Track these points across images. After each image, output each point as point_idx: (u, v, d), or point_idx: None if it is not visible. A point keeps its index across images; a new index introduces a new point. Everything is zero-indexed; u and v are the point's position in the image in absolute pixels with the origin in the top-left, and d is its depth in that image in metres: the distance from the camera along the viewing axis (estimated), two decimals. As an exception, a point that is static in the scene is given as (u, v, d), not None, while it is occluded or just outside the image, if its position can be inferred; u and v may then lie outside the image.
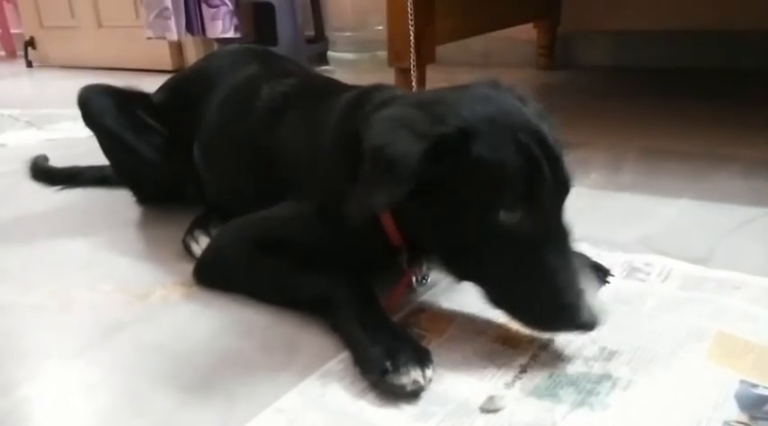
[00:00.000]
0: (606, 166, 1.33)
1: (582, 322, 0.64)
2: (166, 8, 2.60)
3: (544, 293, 0.65)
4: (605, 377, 0.65)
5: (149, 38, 2.74)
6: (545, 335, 0.71)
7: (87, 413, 0.68)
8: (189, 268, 0.93)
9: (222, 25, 2.62)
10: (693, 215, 1.07)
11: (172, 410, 0.66)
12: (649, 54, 2.35)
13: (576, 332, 0.68)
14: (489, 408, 0.61)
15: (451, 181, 0.66)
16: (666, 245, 0.95)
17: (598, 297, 0.66)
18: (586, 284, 0.66)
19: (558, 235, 0.67)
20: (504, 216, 0.65)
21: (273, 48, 2.82)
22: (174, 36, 2.65)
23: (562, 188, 0.68)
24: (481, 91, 0.73)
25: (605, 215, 1.09)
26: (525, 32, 2.44)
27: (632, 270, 0.87)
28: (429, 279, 0.85)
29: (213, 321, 0.82)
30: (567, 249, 0.67)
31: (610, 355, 0.68)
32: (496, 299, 0.70)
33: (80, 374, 0.74)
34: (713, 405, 0.60)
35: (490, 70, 2.54)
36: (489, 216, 0.65)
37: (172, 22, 2.61)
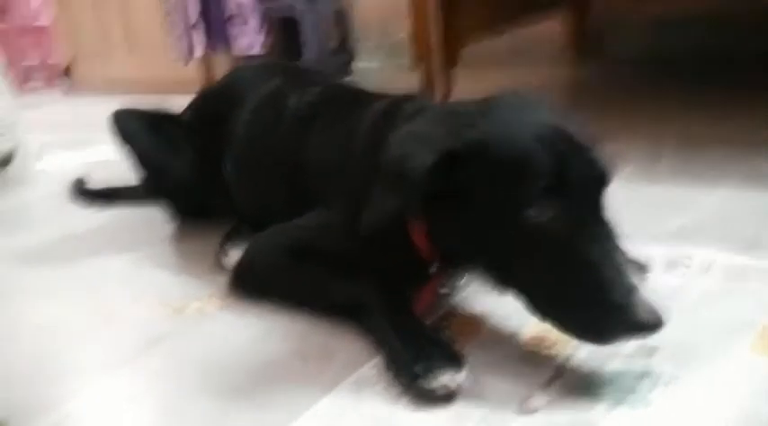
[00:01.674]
0: (643, 158, 1.30)
1: (639, 322, 0.57)
2: (190, 27, 2.65)
3: (590, 295, 0.59)
4: (646, 374, 0.63)
5: (175, 58, 2.78)
6: (604, 349, 0.64)
7: (130, 424, 0.69)
8: (223, 280, 0.95)
9: (248, 41, 2.66)
10: (735, 202, 1.03)
11: (212, 417, 0.67)
12: (680, 42, 2.29)
13: (635, 337, 0.59)
14: (526, 410, 0.60)
15: (477, 187, 0.65)
16: (707, 236, 0.92)
17: (653, 294, 0.58)
18: (638, 280, 0.59)
19: (596, 230, 0.62)
20: (532, 213, 0.62)
21: (299, 62, 2.84)
22: (197, 54, 2.69)
23: (596, 181, 0.64)
24: (509, 99, 0.72)
25: (643, 208, 1.06)
26: (553, 28, 2.41)
27: (672, 264, 0.85)
28: (458, 289, 0.84)
29: (249, 330, 0.83)
30: (609, 245, 0.61)
31: (650, 352, 0.66)
32: (541, 309, 0.65)
33: (123, 386, 0.75)
34: (759, 398, 0.57)
35: (519, 69, 2.52)
36: (518, 215, 0.62)
37: (195, 41, 2.66)
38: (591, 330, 0.61)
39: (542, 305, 0.65)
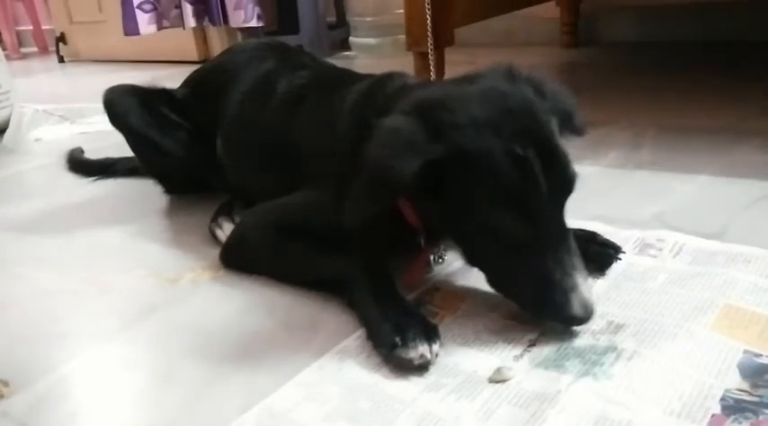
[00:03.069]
0: (626, 144, 1.33)
1: (569, 317, 0.68)
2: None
3: (538, 289, 0.69)
4: (610, 348, 0.67)
5: (164, 27, 2.70)
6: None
7: (125, 388, 0.73)
8: (215, 253, 0.98)
9: (245, 14, 2.65)
10: (711, 191, 1.07)
11: (201, 383, 0.70)
12: (675, 28, 2.30)
13: (567, 325, 0.71)
14: (497, 379, 0.64)
15: (451, 186, 0.69)
16: (681, 222, 0.95)
17: (590, 294, 0.69)
18: (581, 280, 0.68)
19: (554, 235, 0.69)
20: (497, 217, 0.68)
21: (295, 36, 2.82)
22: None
23: (562, 192, 0.70)
24: (492, 85, 0.72)
25: (623, 193, 1.10)
26: (548, 10, 2.41)
27: (644, 247, 0.88)
28: (445, 259, 0.88)
29: (239, 302, 0.87)
30: (563, 248, 0.69)
31: (616, 328, 0.70)
32: (497, 288, 0.76)
33: (117, 352, 0.79)
34: (715, 374, 0.61)
35: (513, 50, 2.53)
36: (485, 220, 0.69)
37: (187, 11, 2.60)
38: (535, 313, 0.73)
39: (499, 286, 0.76)
